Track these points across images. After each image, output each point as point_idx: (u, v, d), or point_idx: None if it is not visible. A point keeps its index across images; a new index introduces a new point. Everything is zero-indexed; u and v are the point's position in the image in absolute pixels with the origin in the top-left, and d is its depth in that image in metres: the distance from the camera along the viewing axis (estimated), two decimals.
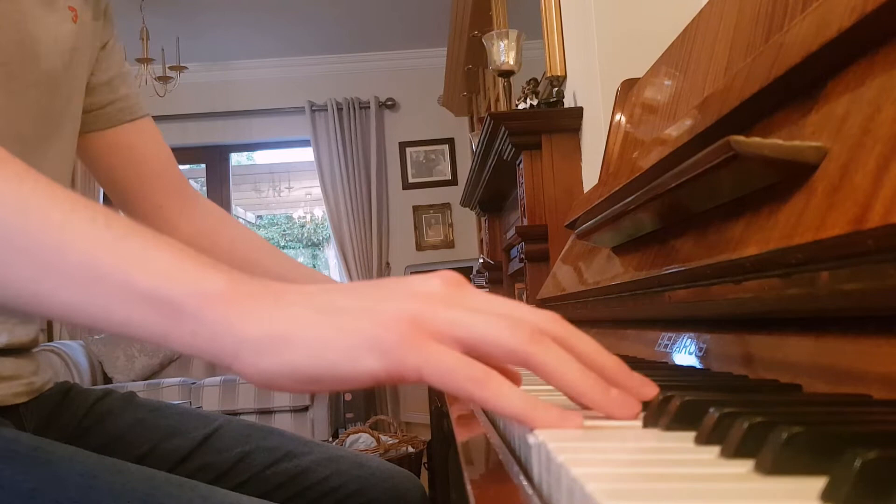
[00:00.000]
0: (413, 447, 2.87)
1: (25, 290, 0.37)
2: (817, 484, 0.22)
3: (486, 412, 0.52)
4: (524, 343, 0.34)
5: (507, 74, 2.21)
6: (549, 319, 0.37)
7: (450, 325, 0.34)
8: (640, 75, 1.08)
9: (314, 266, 5.93)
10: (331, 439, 3.44)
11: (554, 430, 0.33)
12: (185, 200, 0.89)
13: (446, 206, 4.87)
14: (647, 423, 0.36)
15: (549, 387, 0.36)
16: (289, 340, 0.34)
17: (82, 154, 0.83)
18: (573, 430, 0.34)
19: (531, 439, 0.32)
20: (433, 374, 0.34)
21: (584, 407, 0.36)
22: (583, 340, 0.38)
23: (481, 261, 2.83)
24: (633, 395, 0.37)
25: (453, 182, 4.86)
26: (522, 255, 1.85)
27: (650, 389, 0.38)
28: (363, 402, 4.04)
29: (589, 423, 0.35)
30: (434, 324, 0.34)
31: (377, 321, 0.34)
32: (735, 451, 0.27)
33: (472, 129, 4.05)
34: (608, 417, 0.35)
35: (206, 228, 0.89)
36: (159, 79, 4.00)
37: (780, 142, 0.42)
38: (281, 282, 0.37)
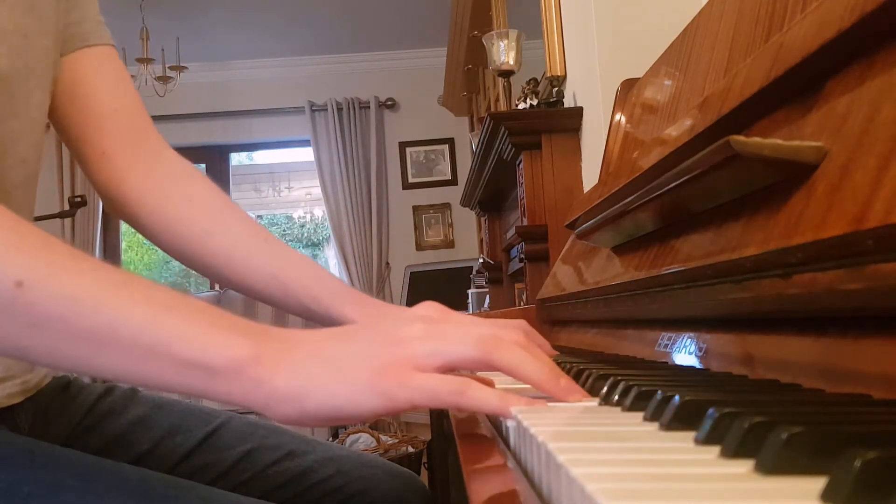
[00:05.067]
0: (413, 447, 2.87)
1: (82, 363, 0.42)
2: (817, 484, 0.22)
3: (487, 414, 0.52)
4: (486, 352, 0.44)
5: (507, 74, 2.21)
6: (512, 330, 0.48)
7: (427, 357, 0.43)
8: (640, 75, 1.08)
9: None
10: (330, 439, 3.44)
11: (545, 425, 0.33)
12: (140, 149, 0.77)
13: (446, 206, 4.87)
14: (646, 419, 0.36)
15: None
16: (306, 392, 0.42)
17: None
18: (572, 429, 0.34)
19: (532, 439, 0.32)
20: (421, 399, 0.42)
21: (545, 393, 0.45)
22: (536, 348, 0.47)
23: (481, 261, 2.83)
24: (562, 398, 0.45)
25: (453, 182, 4.85)
26: (522, 255, 1.85)
27: (576, 396, 0.46)
28: None
29: (589, 424, 0.35)
30: (415, 360, 0.43)
31: (371, 369, 0.42)
32: (735, 451, 0.27)
33: (472, 129, 4.05)
34: (558, 400, 0.45)
35: (160, 183, 0.77)
36: (159, 79, 3.99)
37: (780, 142, 0.42)
38: (281, 327, 0.46)
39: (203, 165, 5.01)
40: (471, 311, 2.64)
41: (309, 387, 0.42)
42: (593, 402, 0.45)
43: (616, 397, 0.43)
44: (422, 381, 0.42)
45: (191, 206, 0.78)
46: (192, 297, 0.46)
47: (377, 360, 0.43)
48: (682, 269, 0.54)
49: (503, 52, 2.17)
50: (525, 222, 1.83)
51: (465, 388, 0.42)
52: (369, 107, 4.82)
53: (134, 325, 0.41)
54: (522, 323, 0.55)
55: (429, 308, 0.48)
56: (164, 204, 0.77)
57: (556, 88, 1.96)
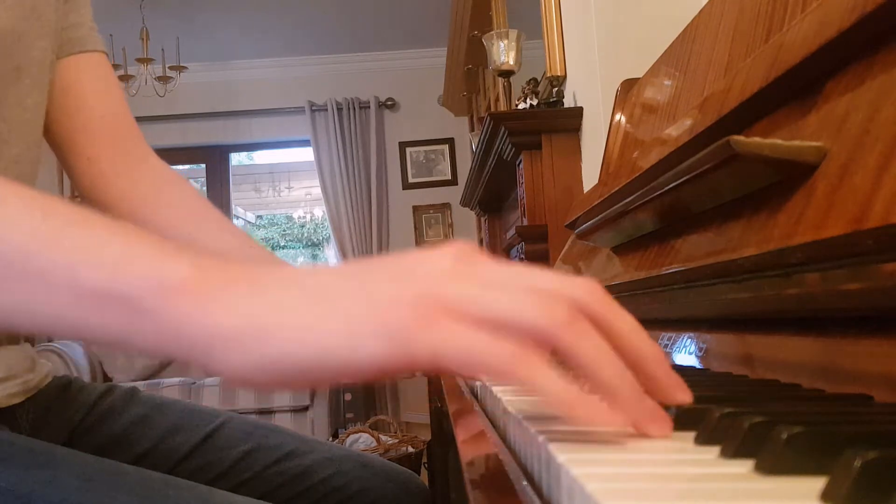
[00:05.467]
0: (413, 447, 2.87)
1: None
2: (817, 484, 0.22)
3: (485, 411, 0.53)
4: (557, 325, 0.29)
5: (507, 74, 2.21)
6: (586, 291, 0.31)
7: (462, 300, 0.29)
8: (640, 75, 1.08)
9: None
10: (331, 439, 3.44)
11: (546, 425, 0.33)
12: (126, 156, 0.78)
13: (446, 206, 4.87)
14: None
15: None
16: (269, 328, 0.29)
17: None
18: (572, 429, 0.34)
19: (532, 439, 0.32)
20: (453, 355, 0.28)
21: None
22: (623, 319, 0.32)
23: None
24: (664, 396, 0.32)
25: (453, 182, 4.86)
26: (522, 255, 1.85)
27: (684, 395, 0.33)
28: (363, 401, 4.04)
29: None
30: (444, 301, 0.29)
31: (377, 304, 0.29)
32: (735, 451, 0.27)
33: (472, 129, 4.05)
34: (636, 429, 0.31)
35: (146, 190, 0.78)
36: (159, 79, 3.99)
37: (780, 142, 0.42)
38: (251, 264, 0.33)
39: (203, 165, 5.01)
40: None
41: (276, 320, 0.29)
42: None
43: None
44: (457, 331, 0.28)
45: (175, 214, 0.78)
46: (117, 220, 0.34)
47: (388, 294, 0.29)
48: (682, 269, 0.54)
49: (503, 52, 2.17)
50: (525, 222, 1.84)
51: (524, 357, 0.28)
52: (369, 107, 4.82)
53: (20, 241, 0.31)
54: (592, 284, 0.32)
55: (458, 248, 0.32)
56: (149, 211, 0.78)
57: (556, 88, 1.96)
